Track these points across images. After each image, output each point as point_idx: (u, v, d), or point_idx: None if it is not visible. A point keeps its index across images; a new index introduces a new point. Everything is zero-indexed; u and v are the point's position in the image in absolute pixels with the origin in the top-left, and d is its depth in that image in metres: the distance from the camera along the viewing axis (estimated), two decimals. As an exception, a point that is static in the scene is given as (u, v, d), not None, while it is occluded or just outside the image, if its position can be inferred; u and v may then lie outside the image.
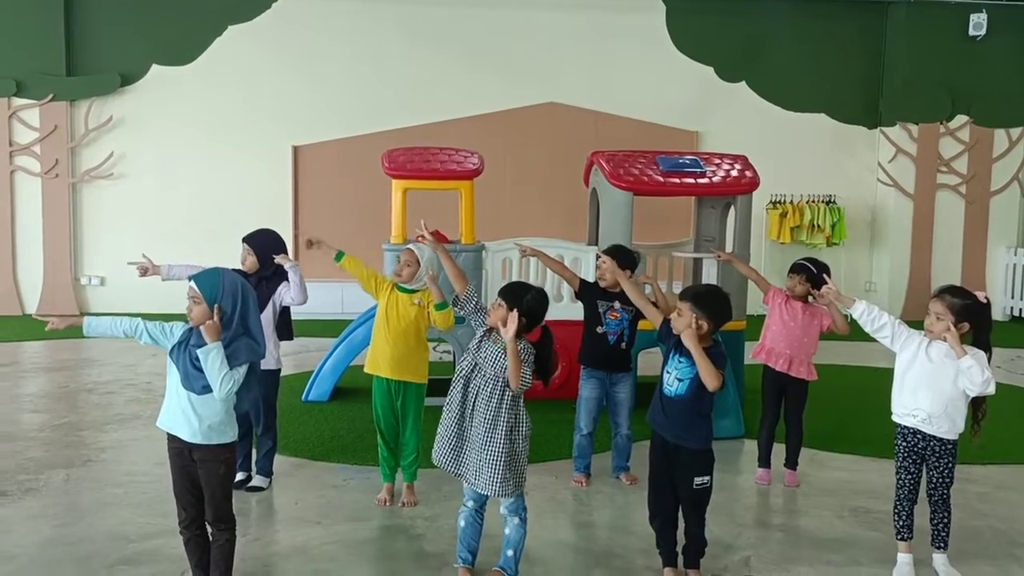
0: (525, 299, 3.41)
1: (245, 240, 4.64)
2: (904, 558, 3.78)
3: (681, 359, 3.55)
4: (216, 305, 3.12)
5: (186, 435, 3.18)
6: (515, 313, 3.33)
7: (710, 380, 3.38)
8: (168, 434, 3.24)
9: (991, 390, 3.55)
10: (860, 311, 3.78)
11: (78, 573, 3.65)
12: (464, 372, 3.53)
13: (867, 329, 3.79)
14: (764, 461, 5.00)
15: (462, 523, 3.60)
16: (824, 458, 5.42)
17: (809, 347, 4.85)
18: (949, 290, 3.67)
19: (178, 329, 3.23)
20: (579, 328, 4.94)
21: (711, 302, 3.53)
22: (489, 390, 3.44)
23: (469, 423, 3.48)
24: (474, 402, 3.47)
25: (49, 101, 10.69)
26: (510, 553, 3.56)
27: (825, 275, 4.62)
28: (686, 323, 3.45)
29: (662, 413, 3.59)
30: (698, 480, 3.54)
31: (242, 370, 3.17)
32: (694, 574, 3.63)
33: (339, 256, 4.52)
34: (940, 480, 3.70)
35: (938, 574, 3.75)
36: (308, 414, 6.22)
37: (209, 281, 3.18)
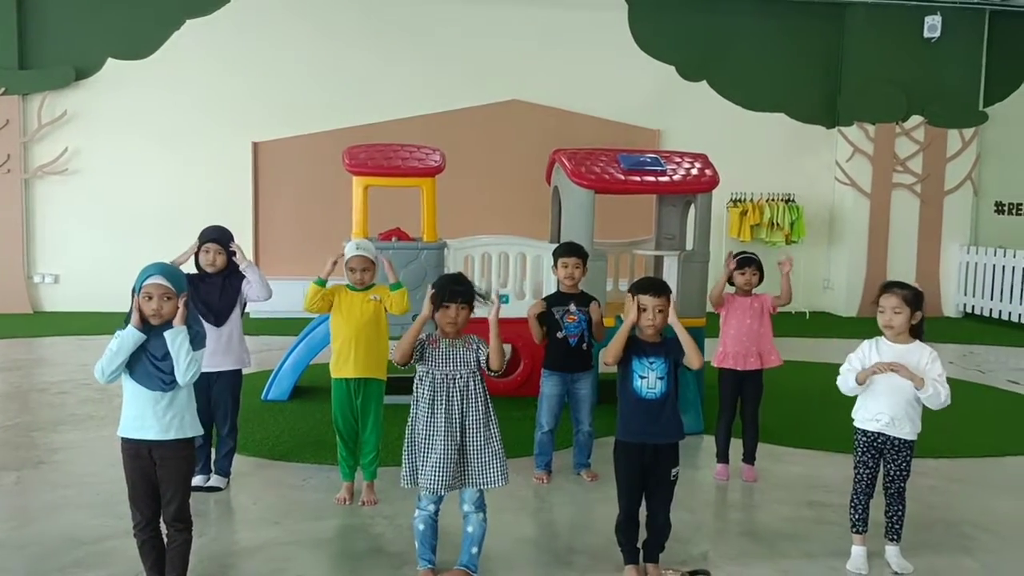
0: (474, 289, 3.57)
1: (212, 241, 4.52)
2: (858, 550, 3.84)
3: (652, 360, 3.55)
4: (183, 293, 3.18)
5: (155, 434, 3.13)
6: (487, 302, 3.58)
7: (697, 359, 3.50)
8: (125, 438, 3.19)
9: (947, 404, 3.66)
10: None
11: (29, 577, 3.57)
12: (441, 392, 3.45)
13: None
14: (722, 457, 5.05)
15: (421, 526, 3.57)
16: (782, 453, 5.49)
17: (768, 334, 4.96)
18: (897, 284, 3.78)
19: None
20: (541, 326, 4.95)
21: (668, 289, 3.63)
22: (472, 387, 3.47)
23: (462, 433, 3.45)
24: (462, 408, 3.45)
25: (1, 95, 10.44)
26: (474, 551, 3.55)
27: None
28: (665, 313, 3.51)
29: (647, 421, 3.55)
30: (674, 470, 3.60)
31: (200, 354, 3.18)
32: (653, 569, 3.65)
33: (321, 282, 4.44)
34: (898, 473, 3.77)
35: (891, 566, 3.82)
36: (267, 413, 6.15)
37: (175, 274, 3.23)
